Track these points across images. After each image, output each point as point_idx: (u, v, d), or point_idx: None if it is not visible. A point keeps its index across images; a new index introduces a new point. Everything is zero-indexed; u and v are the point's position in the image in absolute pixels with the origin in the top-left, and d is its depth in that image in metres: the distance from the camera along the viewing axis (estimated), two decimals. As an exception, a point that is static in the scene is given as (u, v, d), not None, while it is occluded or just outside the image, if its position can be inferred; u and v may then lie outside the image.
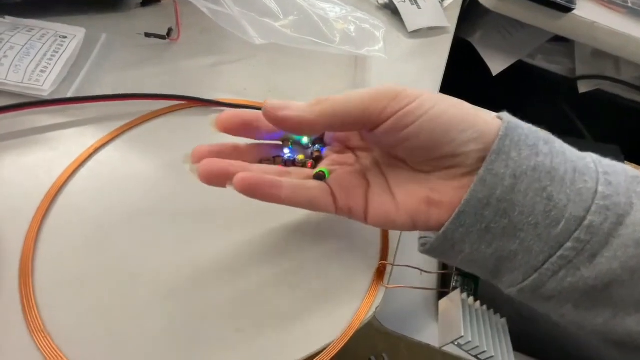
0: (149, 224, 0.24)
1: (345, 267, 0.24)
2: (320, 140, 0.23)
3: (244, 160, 0.21)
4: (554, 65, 0.53)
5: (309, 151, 0.23)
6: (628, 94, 0.52)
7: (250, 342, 0.21)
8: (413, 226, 0.19)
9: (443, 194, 0.18)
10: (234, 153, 0.21)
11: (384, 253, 0.25)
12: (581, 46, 0.53)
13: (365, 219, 0.20)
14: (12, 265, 0.21)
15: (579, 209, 0.16)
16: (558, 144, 0.18)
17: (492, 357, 0.19)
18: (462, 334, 0.18)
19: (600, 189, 0.16)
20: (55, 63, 0.27)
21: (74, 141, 0.26)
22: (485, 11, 0.44)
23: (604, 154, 0.49)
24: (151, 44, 0.32)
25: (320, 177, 0.21)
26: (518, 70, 0.52)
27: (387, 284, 0.23)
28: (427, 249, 0.19)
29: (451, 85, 0.43)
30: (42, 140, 0.26)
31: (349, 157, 0.22)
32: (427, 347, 0.34)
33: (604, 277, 0.16)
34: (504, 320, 0.21)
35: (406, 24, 0.40)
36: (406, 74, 0.37)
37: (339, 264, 0.24)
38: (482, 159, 0.17)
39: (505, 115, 0.18)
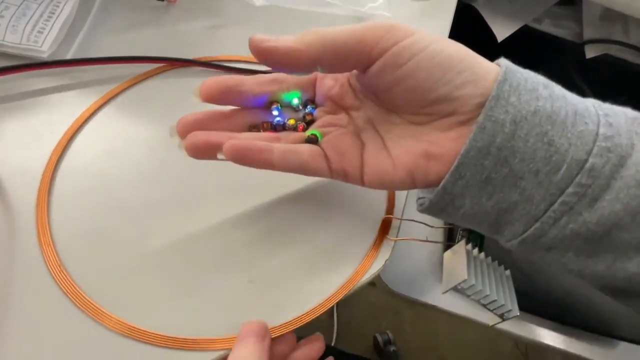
0: (156, 183, 0.24)
1: (352, 223, 0.24)
2: (311, 102, 0.22)
3: (232, 129, 0.20)
4: (560, 30, 0.52)
5: (300, 114, 0.22)
6: (636, 59, 0.50)
7: (261, 292, 0.21)
8: (412, 183, 0.19)
9: (441, 146, 0.18)
10: (221, 120, 0.20)
11: (390, 208, 0.25)
12: (589, 8, 0.51)
13: (362, 181, 0.20)
14: (29, 213, 0.22)
15: (581, 152, 0.16)
16: (557, 88, 0.17)
17: (495, 300, 0.19)
18: (466, 277, 0.18)
19: (601, 130, 0.16)
20: (53, 24, 0.26)
21: (74, 102, 0.26)
22: (491, -28, 0.43)
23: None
24: (149, 6, 0.31)
25: (312, 140, 0.20)
26: (524, 35, 0.50)
27: (393, 238, 0.23)
28: (426, 207, 0.19)
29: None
30: (44, 102, 0.25)
31: (342, 117, 0.21)
32: (430, 321, 0.34)
33: (606, 220, 0.16)
34: (508, 271, 0.21)
35: (409, -15, 0.39)
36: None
37: (346, 220, 0.24)
38: (480, 106, 0.17)
39: (503, 61, 0.18)
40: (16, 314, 0.19)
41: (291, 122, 0.21)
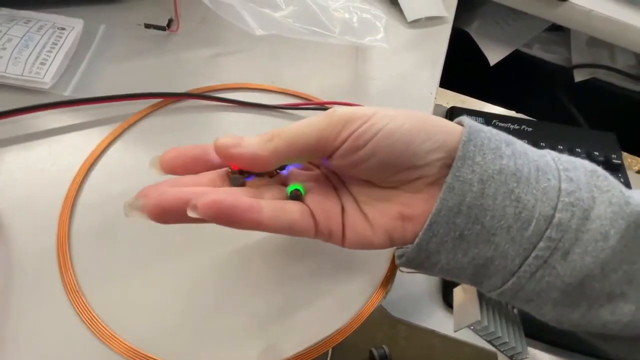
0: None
1: (359, 257, 0.24)
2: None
3: (214, 175, 0.18)
4: (550, 55, 0.53)
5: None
6: (623, 82, 0.52)
7: (265, 326, 0.21)
8: (391, 243, 0.19)
9: (414, 207, 0.18)
10: (193, 182, 0.18)
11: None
12: (577, 35, 0.53)
13: (342, 243, 0.19)
14: (49, 238, 0.21)
15: (547, 207, 0.16)
16: (519, 144, 0.18)
17: (506, 342, 0.19)
18: (479, 318, 0.19)
19: (563, 185, 0.17)
20: (55, 55, 0.27)
21: (81, 137, 0.26)
22: (483, 1, 0.44)
23: (601, 141, 0.50)
24: (151, 35, 0.31)
25: (297, 196, 0.18)
26: (515, 59, 0.52)
27: (406, 270, 0.23)
28: (403, 262, 0.19)
29: (449, 75, 0.43)
30: (48, 138, 0.25)
31: (317, 175, 0.20)
32: (428, 337, 0.34)
33: (578, 273, 0.16)
34: (516, 310, 0.22)
35: (405, 13, 0.40)
36: (406, 64, 0.37)
37: (352, 254, 0.24)
38: (445, 166, 0.17)
39: (465, 119, 0.18)
40: (33, 338, 0.19)
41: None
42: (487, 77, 0.55)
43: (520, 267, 0.17)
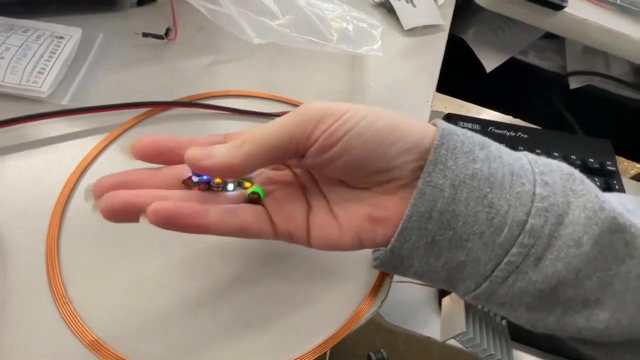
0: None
1: (352, 261, 0.24)
2: None
3: (162, 186, 0.18)
4: (545, 62, 0.54)
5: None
6: (617, 90, 0.53)
7: (260, 335, 0.21)
8: (360, 245, 0.19)
9: (385, 209, 0.18)
10: (146, 179, 0.18)
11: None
12: (572, 43, 0.54)
13: (308, 243, 0.19)
14: (39, 246, 0.22)
15: (520, 213, 0.16)
16: (494, 147, 0.18)
17: (492, 354, 0.20)
18: (464, 330, 0.19)
19: (537, 190, 0.16)
20: (53, 64, 0.27)
21: (75, 145, 0.26)
22: (479, 9, 0.45)
23: (596, 148, 0.50)
24: (149, 44, 0.32)
25: (254, 200, 0.18)
26: (511, 67, 0.52)
27: (393, 278, 0.24)
28: (377, 264, 0.19)
29: (447, 80, 0.43)
30: (43, 145, 0.25)
31: (285, 174, 0.20)
32: (425, 341, 0.35)
33: (551, 279, 0.16)
34: (504, 322, 0.22)
35: (402, 22, 0.41)
36: (403, 72, 0.38)
37: (344, 261, 0.24)
38: (418, 169, 0.17)
39: (439, 122, 0.18)
40: (20, 345, 0.19)
41: (217, 180, 0.19)
42: (484, 83, 0.55)
43: (492, 272, 0.17)
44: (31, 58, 0.26)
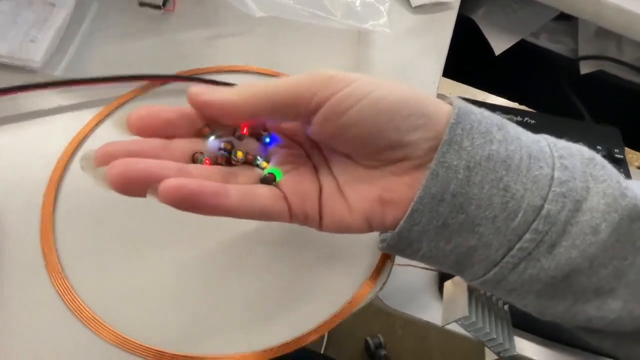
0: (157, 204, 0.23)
1: (355, 244, 0.24)
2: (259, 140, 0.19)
3: (174, 159, 0.16)
4: (556, 45, 0.52)
5: (246, 144, 0.18)
6: (629, 76, 0.51)
7: (259, 317, 0.21)
8: (369, 228, 0.18)
9: (396, 191, 0.17)
10: (161, 151, 0.16)
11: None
12: (585, 25, 0.52)
13: (320, 226, 0.18)
14: (34, 221, 0.21)
15: (536, 197, 0.16)
16: (512, 128, 0.17)
17: (493, 338, 0.19)
18: (467, 314, 0.18)
19: (556, 174, 0.16)
20: (45, 33, 0.26)
21: (70, 118, 0.25)
22: (491, -14, 0.43)
23: (604, 136, 0.49)
24: (145, 15, 0.30)
25: (269, 180, 0.18)
26: (520, 49, 0.51)
27: (394, 262, 0.23)
28: (384, 247, 0.18)
29: (452, 65, 0.42)
30: (37, 119, 0.25)
31: (299, 153, 0.19)
32: (423, 326, 0.35)
33: (564, 266, 0.16)
34: (507, 307, 0.22)
35: (410, -2, 0.39)
36: (409, 50, 0.36)
37: (346, 244, 0.24)
38: (433, 149, 0.16)
39: (455, 99, 0.17)
40: (16, 322, 0.19)
41: (239, 154, 0.17)
42: (490, 67, 0.54)
43: (503, 258, 0.16)
44: (22, 25, 0.25)
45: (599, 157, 0.17)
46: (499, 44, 0.50)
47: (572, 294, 0.17)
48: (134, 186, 0.15)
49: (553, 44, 0.52)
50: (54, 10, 0.27)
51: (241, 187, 0.16)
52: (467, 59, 0.51)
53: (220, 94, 0.16)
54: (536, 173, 0.16)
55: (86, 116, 0.25)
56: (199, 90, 0.16)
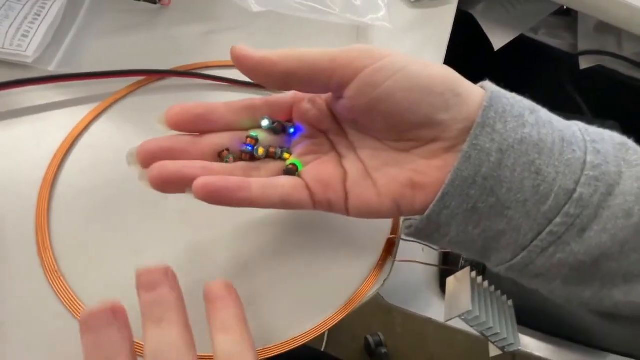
0: (154, 198, 0.23)
1: (354, 242, 0.23)
2: (284, 131, 0.20)
3: (201, 155, 0.18)
4: (556, 40, 0.52)
5: (278, 138, 0.19)
6: (628, 71, 0.51)
7: (259, 314, 0.21)
8: (398, 212, 0.18)
9: (426, 175, 0.17)
10: (188, 147, 0.18)
11: (395, 227, 0.24)
12: (584, 19, 0.51)
13: (347, 211, 0.18)
14: (29, 218, 0.21)
15: (569, 181, 0.15)
16: (544, 112, 0.17)
17: (497, 333, 0.19)
18: (470, 308, 0.18)
19: (589, 158, 0.16)
20: (38, 27, 0.25)
21: (66, 113, 0.24)
22: (490, -19, 0.42)
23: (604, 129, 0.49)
24: (140, 9, 0.30)
25: (291, 171, 0.18)
26: (520, 44, 0.50)
27: (395, 258, 0.23)
28: (411, 232, 0.18)
29: (452, 58, 0.42)
30: (32, 113, 0.24)
31: (322, 142, 0.20)
32: (423, 323, 0.34)
33: (594, 250, 0.16)
34: (510, 301, 0.21)
35: (409, -8, 0.39)
36: (409, 45, 0.36)
37: (348, 239, 0.23)
38: (464, 131, 0.16)
39: (488, 84, 0.17)
40: (12, 321, 0.19)
41: (260, 151, 0.19)
42: (489, 63, 0.53)
43: (532, 242, 0.16)
44: (14, 20, 0.25)
45: (631, 142, 0.17)
46: (499, 39, 0.49)
47: (600, 279, 0.16)
48: (169, 185, 0.17)
49: (552, 39, 0.52)
50: (47, 4, 0.26)
51: (262, 179, 0.18)
52: (466, 55, 0.51)
53: (261, 52, 0.17)
54: (569, 157, 0.16)
55: (81, 112, 0.25)
56: (242, 45, 0.17)
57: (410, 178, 0.17)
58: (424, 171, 0.17)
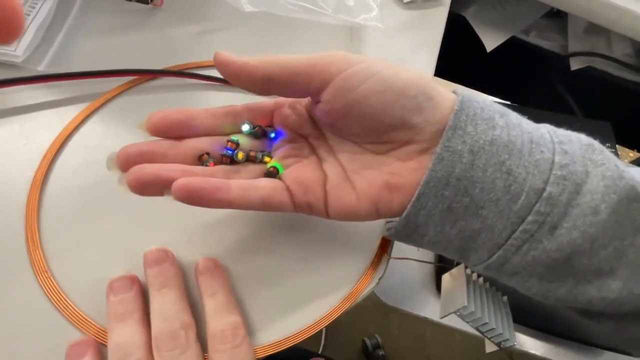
0: (145, 200, 0.22)
1: (350, 239, 0.23)
2: (265, 136, 0.20)
3: (181, 159, 0.18)
4: (547, 42, 0.53)
5: (257, 143, 0.20)
6: (618, 72, 0.52)
7: (252, 313, 0.20)
8: (376, 214, 0.18)
9: (402, 176, 0.18)
10: (168, 151, 0.18)
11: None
12: (574, 21, 0.52)
13: (326, 214, 0.19)
14: (18, 220, 0.21)
15: (538, 180, 0.16)
16: (514, 116, 0.18)
17: (493, 329, 0.19)
18: (465, 304, 0.18)
19: (556, 158, 0.16)
20: (28, 26, 0.25)
21: (56, 113, 0.24)
22: (481, -17, 0.43)
23: (595, 130, 0.49)
24: (132, 9, 0.30)
25: (272, 174, 0.19)
26: (512, 46, 0.51)
27: (390, 256, 0.23)
28: (391, 233, 0.19)
29: (445, 60, 0.42)
30: (21, 113, 0.24)
31: (302, 146, 0.20)
32: (419, 323, 0.34)
33: (565, 248, 0.16)
34: (505, 298, 0.21)
35: (401, -6, 0.39)
36: (401, 47, 0.36)
37: (343, 238, 0.23)
38: (437, 134, 0.17)
39: (459, 88, 0.18)
40: (1, 321, 0.18)
41: (240, 156, 0.19)
42: (481, 65, 0.54)
43: (506, 241, 0.17)
44: (3, 19, 0.24)
45: (597, 143, 0.17)
46: (491, 41, 0.50)
47: (573, 275, 0.17)
48: (148, 188, 0.17)
49: (543, 40, 0.53)
50: (38, 3, 0.26)
51: (243, 181, 0.18)
52: (458, 57, 0.52)
53: (243, 57, 0.18)
54: (537, 157, 0.16)
55: (71, 112, 0.24)
56: (224, 52, 0.18)
57: (386, 180, 0.18)
58: (400, 173, 0.18)
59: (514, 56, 0.53)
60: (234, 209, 0.17)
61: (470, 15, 0.50)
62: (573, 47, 0.52)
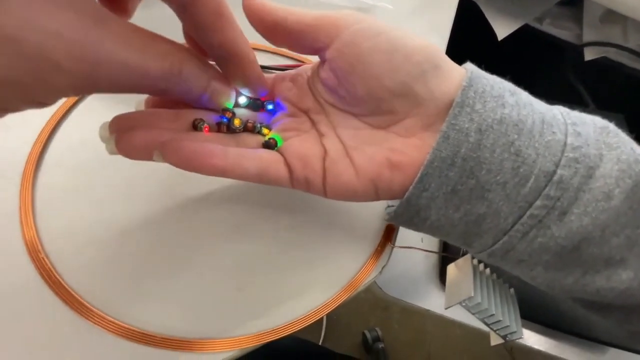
0: (145, 182, 0.22)
1: (354, 226, 0.23)
2: (263, 107, 0.19)
3: (176, 126, 0.17)
4: (561, 31, 0.51)
5: (257, 115, 0.19)
6: (634, 63, 0.50)
7: (254, 299, 0.20)
8: (375, 194, 0.18)
9: (403, 154, 0.17)
10: (163, 120, 0.17)
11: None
12: (590, 9, 0.50)
13: (324, 192, 0.18)
14: (12, 200, 0.20)
15: (549, 162, 0.15)
16: (524, 95, 0.17)
17: (499, 320, 0.18)
18: (472, 295, 0.18)
19: (569, 140, 0.15)
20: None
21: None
22: (495, -33, 0.41)
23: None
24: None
25: (270, 145, 0.18)
26: (524, 34, 0.49)
27: (395, 245, 0.22)
28: (391, 217, 0.18)
29: (455, 47, 0.41)
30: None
31: (303, 120, 0.20)
32: (420, 316, 0.34)
33: (575, 234, 0.15)
34: (512, 290, 0.21)
35: (412, -24, 0.37)
36: (412, 30, 0.35)
37: (347, 225, 0.23)
38: (443, 111, 0.16)
39: (469, 65, 0.17)
40: (2, 312, 0.18)
41: (237, 122, 0.18)
42: (492, 53, 0.52)
43: (513, 226, 0.16)
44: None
45: (612, 126, 0.16)
46: (502, 29, 0.48)
47: (581, 264, 0.16)
48: (138, 151, 0.16)
49: (557, 29, 0.51)
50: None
51: (240, 149, 0.17)
52: (469, 44, 0.50)
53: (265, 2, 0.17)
54: (549, 138, 0.15)
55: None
56: None
57: (387, 157, 0.17)
58: (402, 150, 0.17)
59: (526, 45, 0.52)
60: (227, 177, 0.17)
61: (482, 1, 0.49)
62: (588, 36, 0.50)
